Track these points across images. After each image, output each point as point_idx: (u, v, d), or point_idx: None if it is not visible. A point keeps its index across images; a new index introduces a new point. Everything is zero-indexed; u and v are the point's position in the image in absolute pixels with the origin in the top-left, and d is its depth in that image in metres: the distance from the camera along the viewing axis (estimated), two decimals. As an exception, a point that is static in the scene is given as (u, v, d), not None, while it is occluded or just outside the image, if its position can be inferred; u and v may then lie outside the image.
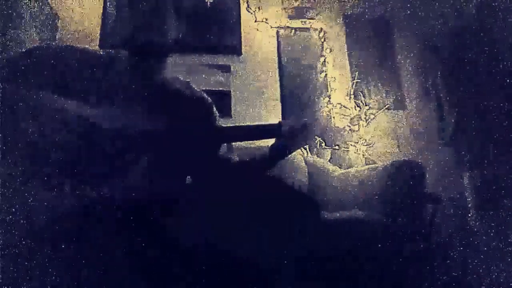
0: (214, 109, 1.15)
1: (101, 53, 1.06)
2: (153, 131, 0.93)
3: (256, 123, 1.16)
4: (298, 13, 2.90)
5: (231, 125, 1.14)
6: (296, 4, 2.91)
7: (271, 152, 1.06)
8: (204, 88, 1.16)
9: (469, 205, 2.39)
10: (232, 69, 2.70)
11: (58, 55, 0.96)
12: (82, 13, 2.58)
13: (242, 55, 2.76)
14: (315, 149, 2.51)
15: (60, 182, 0.83)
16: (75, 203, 0.80)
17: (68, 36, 2.49)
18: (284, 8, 2.90)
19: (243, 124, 1.15)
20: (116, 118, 0.91)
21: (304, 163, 2.27)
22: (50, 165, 0.84)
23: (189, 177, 1.12)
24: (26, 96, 0.86)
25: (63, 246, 0.76)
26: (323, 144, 2.53)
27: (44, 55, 0.95)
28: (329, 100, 2.72)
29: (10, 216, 0.77)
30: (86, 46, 1.09)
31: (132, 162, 0.90)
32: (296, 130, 1.01)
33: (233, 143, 1.16)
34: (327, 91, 2.75)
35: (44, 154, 0.84)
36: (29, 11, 2.10)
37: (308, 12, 2.91)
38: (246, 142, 1.43)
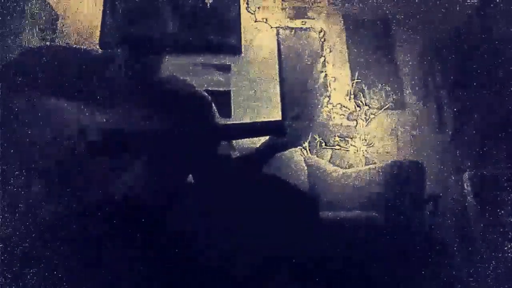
0: (213, 106, 1.15)
1: (100, 52, 1.06)
2: (153, 130, 0.93)
3: (258, 120, 1.16)
4: (298, 13, 2.90)
5: (233, 122, 1.14)
6: (296, 4, 2.91)
7: (268, 147, 1.06)
8: (204, 88, 1.16)
9: (469, 205, 2.39)
10: (232, 69, 2.69)
11: (56, 55, 0.96)
12: (82, 13, 2.58)
13: (242, 55, 2.76)
14: (315, 149, 2.51)
15: (60, 182, 0.83)
16: (76, 203, 0.80)
17: (68, 36, 2.49)
18: (284, 8, 2.90)
19: (245, 122, 1.16)
20: (115, 117, 0.91)
21: (304, 163, 2.27)
22: (50, 165, 0.84)
23: (190, 175, 1.12)
24: (25, 96, 0.86)
25: (65, 246, 0.76)
26: (323, 144, 2.53)
27: (43, 56, 0.95)
28: (329, 100, 2.72)
29: (10, 216, 0.77)
30: (85, 46, 1.09)
31: (132, 161, 0.90)
32: (297, 129, 1.02)
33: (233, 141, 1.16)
34: (327, 91, 2.75)
35: (44, 154, 0.83)
36: (29, 11, 2.10)
37: (308, 12, 2.91)
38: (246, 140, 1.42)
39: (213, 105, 1.14)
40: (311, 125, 1.00)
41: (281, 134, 1.01)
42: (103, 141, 0.87)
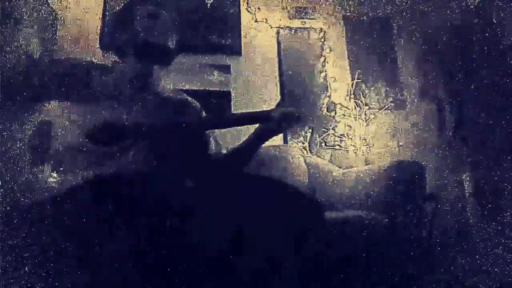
0: (203, 112, 1.17)
1: (100, 62, 1.07)
2: (143, 129, 0.94)
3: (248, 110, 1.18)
4: (298, 13, 2.90)
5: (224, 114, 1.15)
6: (296, 4, 2.91)
7: (256, 135, 1.08)
8: (204, 88, 1.18)
9: (469, 205, 2.39)
10: (232, 69, 2.69)
11: (59, 64, 0.97)
12: (82, 13, 2.58)
13: (242, 55, 2.75)
14: (315, 149, 2.51)
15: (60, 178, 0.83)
16: (72, 202, 0.80)
17: (68, 36, 2.49)
18: (284, 8, 2.90)
19: (235, 112, 1.19)
20: (112, 115, 0.91)
21: (304, 163, 2.26)
22: (49, 164, 0.84)
23: (190, 183, 1.12)
24: (27, 96, 0.87)
25: (57, 241, 0.76)
26: (323, 144, 2.53)
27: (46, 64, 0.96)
28: (329, 100, 2.72)
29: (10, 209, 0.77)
30: (85, 46, 1.10)
31: (122, 161, 0.91)
32: (285, 117, 1.03)
33: (222, 142, 1.18)
34: (327, 91, 2.75)
35: (43, 153, 0.84)
36: (29, 11, 2.10)
37: (308, 12, 2.91)
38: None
39: (203, 111, 1.16)
40: (298, 110, 1.01)
41: (268, 120, 1.03)
42: (98, 137, 0.88)
